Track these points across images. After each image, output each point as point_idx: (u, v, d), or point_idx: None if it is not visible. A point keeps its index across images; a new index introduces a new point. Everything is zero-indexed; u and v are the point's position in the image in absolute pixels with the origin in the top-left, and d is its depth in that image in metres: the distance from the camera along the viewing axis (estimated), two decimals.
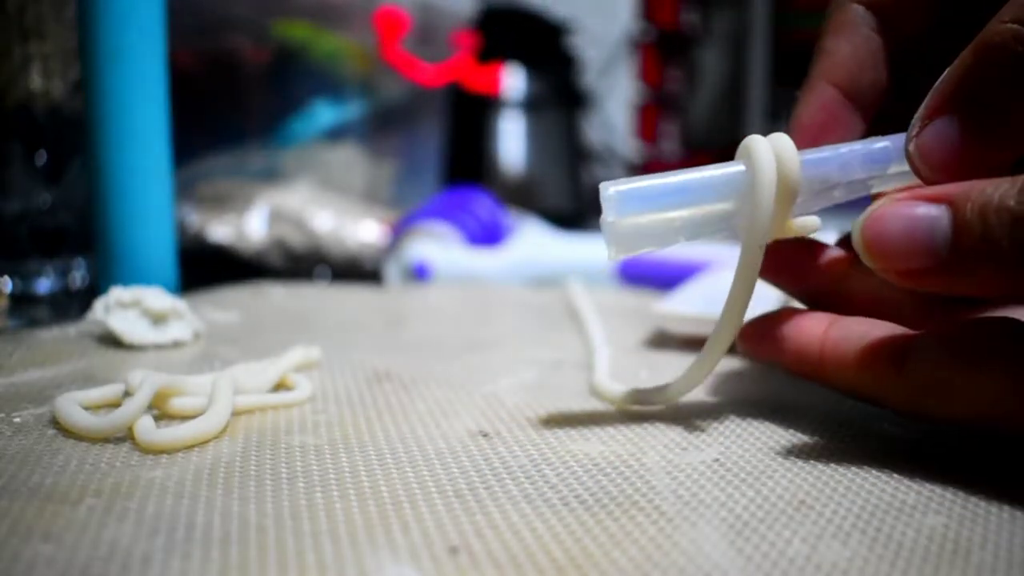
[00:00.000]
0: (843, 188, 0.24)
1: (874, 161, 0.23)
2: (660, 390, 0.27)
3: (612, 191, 0.21)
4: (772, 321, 0.25)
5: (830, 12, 0.27)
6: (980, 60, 0.20)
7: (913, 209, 0.20)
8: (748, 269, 0.23)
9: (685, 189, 0.22)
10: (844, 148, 0.23)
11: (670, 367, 0.34)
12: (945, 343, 0.21)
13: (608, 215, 0.22)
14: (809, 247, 0.27)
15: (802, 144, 0.24)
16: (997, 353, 0.20)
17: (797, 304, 0.28)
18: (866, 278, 0.25)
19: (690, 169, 0.22)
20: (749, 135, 0.23)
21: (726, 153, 0.24)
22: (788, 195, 0.22)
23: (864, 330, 0.23)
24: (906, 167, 0.22)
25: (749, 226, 0.22)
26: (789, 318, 0.25)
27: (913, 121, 0.21)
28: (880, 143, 0.23)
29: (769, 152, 0.22)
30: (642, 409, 0.27)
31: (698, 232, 0.23)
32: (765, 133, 0.24)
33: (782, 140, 0.22)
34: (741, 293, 0.23)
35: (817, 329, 0.24)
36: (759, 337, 0.26)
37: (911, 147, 0.21)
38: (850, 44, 0.26)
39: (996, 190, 0.19)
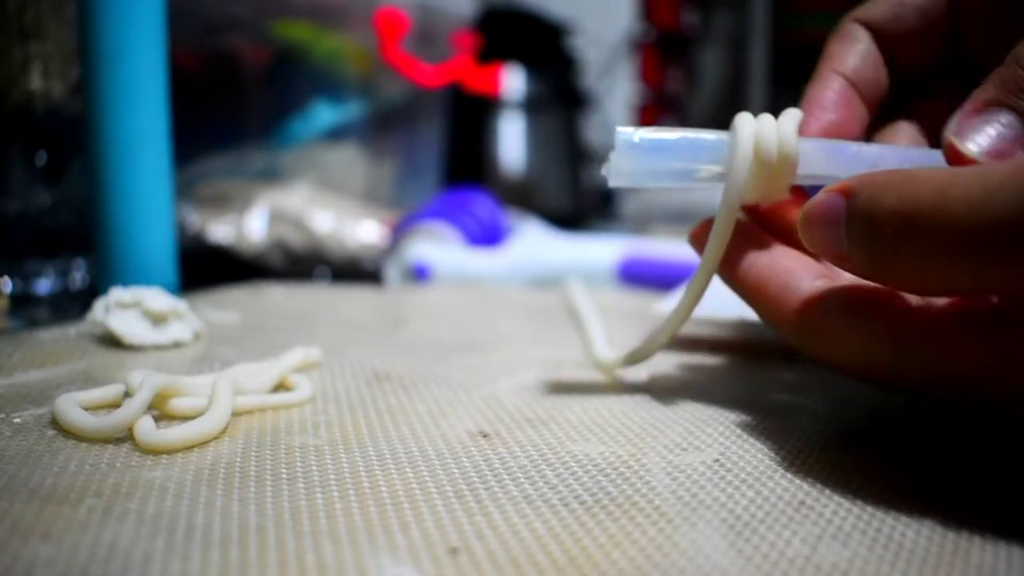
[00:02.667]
0: None
1: (862, 163, 0.24)
2: (641, 347, 0.29)
3: (624, 136, 0.24)
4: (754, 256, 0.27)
5: (834, 29, 0.29)
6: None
7: (827, 199, 0.20)
8: (722, 227, 0.25)
9: (686, 146, 0.25)
10: (846, 145, 0.25)
11: (670, 367, 0.34)
12: (840, 296, 0.22)
13: (616, 153, 0.24)
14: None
15: (812, 118, 0.27)
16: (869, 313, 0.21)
17: None
18: None
19: (695, 129, 0.25)
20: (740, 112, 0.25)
21: None
22: (765, 167, 0.24)
23: (788, 265, 0.25)
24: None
25: (724, 191, 0.24)
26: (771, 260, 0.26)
27: (954, 116, 0.22)
28: (870, 150, 0.24)
29: (751, 127, 0.24)
30: (642, 409, 0.27)
31: (688, 182, 0.25)
32: None
33: (766, 118, 0.24)
34: (713, 249, 0.25)
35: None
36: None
37: (954, 138, 0.22)
38: (852, 48, 0.28)
39: (873, 187, 0.19)
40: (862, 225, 0.19)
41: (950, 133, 0.22)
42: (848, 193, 0.20)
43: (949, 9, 0.27)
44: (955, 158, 0.22)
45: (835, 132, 0.27)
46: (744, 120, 0.24)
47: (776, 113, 0.25)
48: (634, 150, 0.24)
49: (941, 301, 0.20)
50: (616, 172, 0.25)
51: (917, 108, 0.28)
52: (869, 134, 0.29)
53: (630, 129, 0.24)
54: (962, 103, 0.22)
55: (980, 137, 0.21)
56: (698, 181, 0.25)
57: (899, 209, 0.18)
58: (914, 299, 0.21)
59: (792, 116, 0.25)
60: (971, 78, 0.23)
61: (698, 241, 0.27)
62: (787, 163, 0.24)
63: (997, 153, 0.21)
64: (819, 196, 0.21)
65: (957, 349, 0.19)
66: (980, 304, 0.19)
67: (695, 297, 0.26)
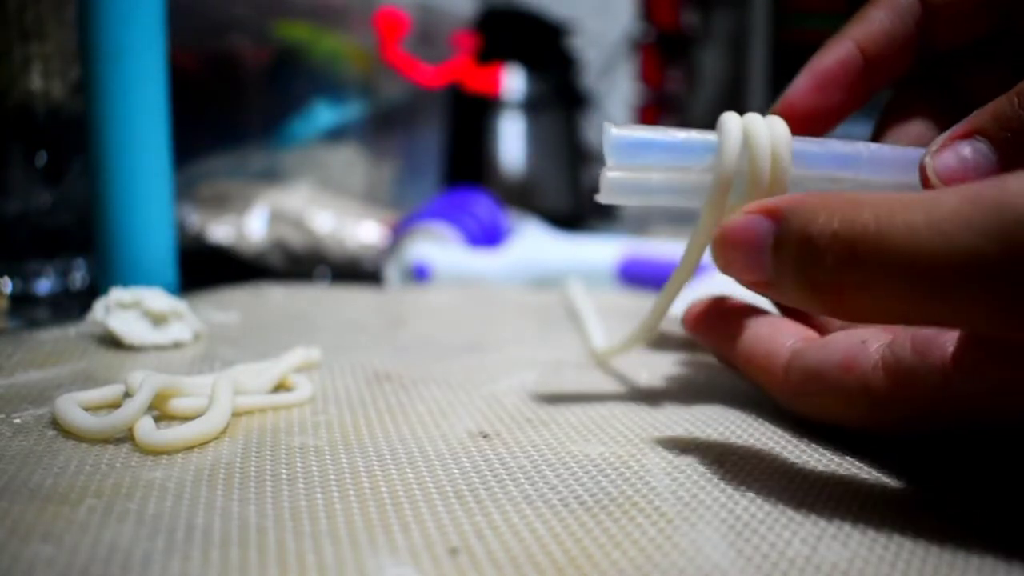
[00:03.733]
0: (849, 183, 0.24)
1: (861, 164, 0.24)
2: (634, 334, 0.30)
3: (614, 133, 0.23)
4: (718, 311, 0.28)
5: None
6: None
7: (751, 221, 0.20)
8: (708, 221, 0.24)
9: (673, 145, 0.24)
10: (842, 144, 0.24)
11: (670, 367, 0.34)
12: (816, 352, 0.23)
13: (607, 155, 0.24)
14: None
15: (806, 85, 0.27)
16: (838, 372, 0.22)
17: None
18: None
19: (682, 129, 0.24)
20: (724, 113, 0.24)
21: None
22: (753, 162, 0.23)
23: (768, 333, 0.25)
24: (890, 178, 0.23)
25: (711, 187, 0.24)
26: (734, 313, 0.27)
27: (939, 138, 0.22)
28: (867, 150, 0.24)
29: (736, 121, 0.23)
30: (642, 409, 0.27)
31: (677, 194, 0.24)
32: None
33: (754, 115, 0.23)
34: (696, 246, 0.25)
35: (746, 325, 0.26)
36: (700, 322, 0.28)
37: (929, 159, 0.22)
38: (888, 18, 0.27)
39: (809, 212, 0.18)
40: (796, 250, 0.18)
41: (927, 156, 0.22)
42: (776, 215, 0.19)
43: None
44: (925, 183, 0.22)
45: (806, 113, 0.27)
46: (730, 116, 0.23)
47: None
48: (620, 147, 0.23)
49: (906, 353, 0.20)
50: (606, 183, 0.24)
51: (966, 81, 0.28)
52: (883, 112, 0.29)
53: (618, 127, 0.24)
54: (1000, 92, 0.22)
55: (955, 166, 0.21)
56: (686, 196, 0.24)
57: (841, 235, 0.17)
58: (876, 352, 0.21)
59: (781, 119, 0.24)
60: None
61: (698, 325, 0.28)
62: (779, 160, 0.23)
63: (955, 180, 0.21)
64: (738, 218, 0.20)
65: (924, 398, 0.20)
66: (942, 343, 0.19)
67: (678, 286, 0.27)
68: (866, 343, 0.22)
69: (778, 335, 0.25)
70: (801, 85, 0.28)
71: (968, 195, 0.16)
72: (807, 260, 0.18)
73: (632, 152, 0.23)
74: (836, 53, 0.28)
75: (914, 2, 0.27)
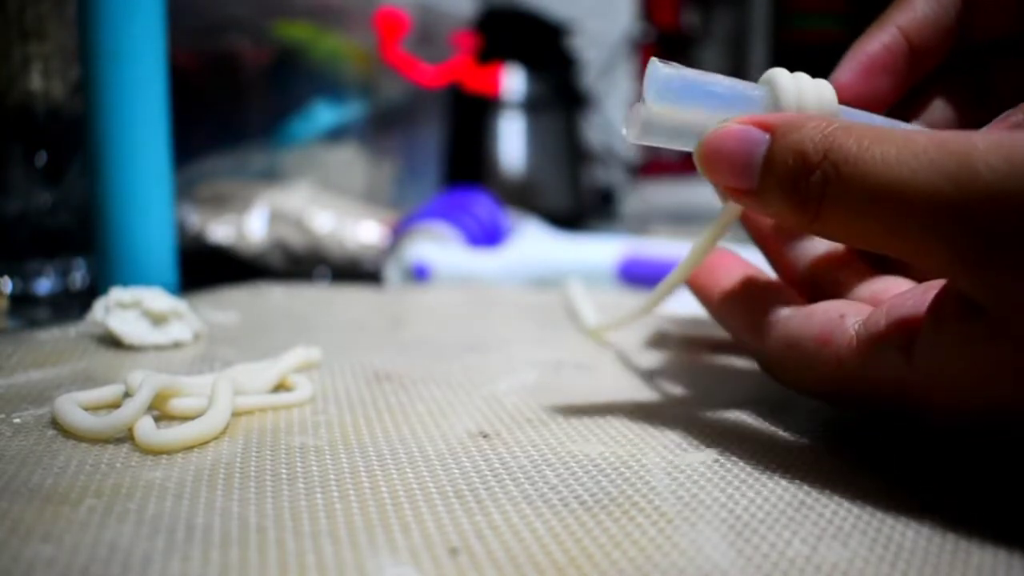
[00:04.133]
0: None
1: None
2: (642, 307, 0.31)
3: (661, 71, 0.22)
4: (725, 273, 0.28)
5: None
6: None
7: (745, 131, 0.21)
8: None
9: (719, 94, 0.23)
10: (882, 119, 0.24)
11: (670, 367, 0.34)
12: (797, 322, 0.23)
13: (648, 93, 0.22)
14: None
15: (852, 70, 0.27)
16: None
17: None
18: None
19: (728, 78, 0.23)
20: (771, 69, 0.23)
21: None
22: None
23: (758, 294, 0.26)
24: None
25: None
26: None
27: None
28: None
29: (789, 78, 0.23)
30: (642, 409, 0.27)
31: None
32: None
33: (803, 76, 0.23)
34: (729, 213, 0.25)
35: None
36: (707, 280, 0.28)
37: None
38: (931, 6, 0.27)
39: (808, 130, 0.19)
40: (791, 162, 0.20)
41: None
42: (771, 128, 0.20)
43: None
44: None
45: (863, 90, 0.27)
46: (780, 72, 0.23)
47: None
48: (665, 87, 0.22)
49: (878, 330, 0.21)
50: (641, 123, 0.22)
51: (994, 74, 0.28)
52: (910, 97, 0.28)
53: (665, 63, 0.22)
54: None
55: None
56: None
57: (831, 155, 0.19)
58: (852, 328, 0.21)
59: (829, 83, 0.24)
60: None
61: (693, 279, 0.28)
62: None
63: None
64: (731, 125, 0.21)
65: (889, 380, 0.20)
66: (912, 325, 0.20)
67: (692, 263, 0.27)
68: (844, 318, 0.22)
69: (764, 298, 0.25)
70: (847, 70, 0.27)
71: (937, 139, 0.17)
72: (798, 172, 0.19)
73: (676, 95, 0.22)
74: (881, 39, 0.27)
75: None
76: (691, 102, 0.22)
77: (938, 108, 0.28)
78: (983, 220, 0.16)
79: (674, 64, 0.22)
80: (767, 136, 0.20)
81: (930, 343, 0.19)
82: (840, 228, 0.19)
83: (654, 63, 0.22)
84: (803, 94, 0.22)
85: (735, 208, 0.25)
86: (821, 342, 0.22)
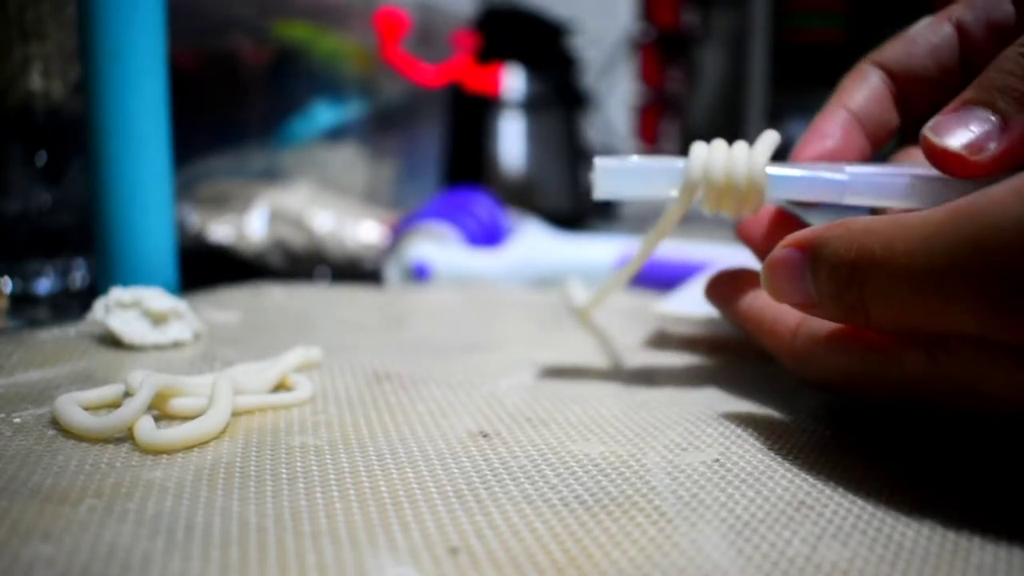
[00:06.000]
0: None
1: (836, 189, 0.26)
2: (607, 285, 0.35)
3: (600, 166, 0.29)
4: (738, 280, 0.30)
5: (850, 70, 0.31)
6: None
7: (786, 255, 0.22)
8: (664, 227, 0.30)
9: (650, 170, 0.28)
10: (818, 166, 0.27)
11: (670, 367, 0.34)
12: (822, 320, 0.24)
13: (594, 189, 0.29)
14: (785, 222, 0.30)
15: (810, 145, 0.29)
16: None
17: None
18: None
19: (660, 158, 0.29)
20: (694, 143, 0.28)
21: None
22: (713, 187, 0.27)
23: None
24: (857, 199, 0.26)
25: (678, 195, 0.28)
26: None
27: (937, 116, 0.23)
28: (839, 175, 0.26)
29: (701, 151, 0.27)
30: (642, 409, 0.27)
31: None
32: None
33: (719, 144, 0.27)
34: (660, 230, 0.30)
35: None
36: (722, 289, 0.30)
37: (928, 131, 0.23)
38: (862, 85, 0.30)
39: (834, 244, 0.20)
40: (828, 278, 0.21)
41: (927, 129, 0.23)
42: (805, 247, 0.21)
43: (960, 50, 0.28)
44: (930, 151, 0.23)
45: (829, 159, 0.29)
46: (696, 146, 0.27)
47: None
48: (607, 175, 0.28)
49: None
50: (599, 190, 0.28)
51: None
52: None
53: (605, 159, 0.28)
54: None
55: (959, 133, 0.23)
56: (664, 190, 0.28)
57: (859, 263, 0.20)
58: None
59: (767, 139, 0.27)
60: None
61: (714, 291, 0.30)
62: (754, 184, 0.26)
63: (974, 147, 0.22)
64: (776, 253, 0.22)
65: (908, 376, 0.21)
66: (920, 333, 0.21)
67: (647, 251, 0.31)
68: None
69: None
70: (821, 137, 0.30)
71: (952, 209, 0.18)
72: (839, 287, 0.20)
73: (615, 181, 0.28)
74: (831, 116, 0.30)
75: (882, 74, 0.30)
76: (631, 182, 0.28)
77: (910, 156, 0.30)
78: (1009, 266, 0.17)
79: (616, 157, 0.28)
80: (803, 255, 0.21)
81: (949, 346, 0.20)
82: (893, 323, 0.20)
83: (595, 161, 0.28)
84: (711, 162, 0.27)
85: (664, 227, 0.29)
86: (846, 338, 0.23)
